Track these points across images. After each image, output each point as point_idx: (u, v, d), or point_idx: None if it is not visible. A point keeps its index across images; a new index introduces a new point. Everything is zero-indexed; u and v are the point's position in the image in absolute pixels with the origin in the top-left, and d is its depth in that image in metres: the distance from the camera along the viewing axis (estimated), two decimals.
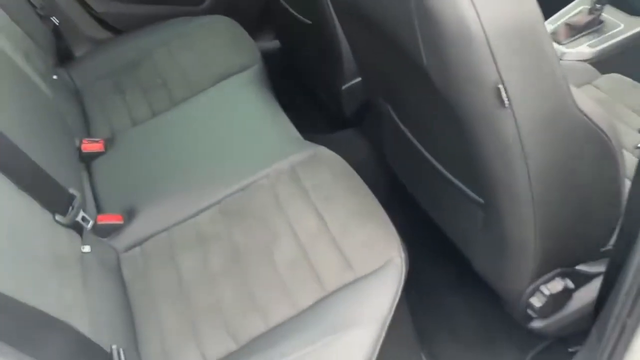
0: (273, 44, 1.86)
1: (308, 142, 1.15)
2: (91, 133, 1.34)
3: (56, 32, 1.52)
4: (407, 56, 0.75)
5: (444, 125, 0.81)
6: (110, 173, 1.19)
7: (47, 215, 0.90)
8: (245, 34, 1.53)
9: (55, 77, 1.45)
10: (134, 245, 1.05)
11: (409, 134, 1.02)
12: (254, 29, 1.82)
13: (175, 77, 1.42)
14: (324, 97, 1.59)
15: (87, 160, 1.23)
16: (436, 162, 0.94)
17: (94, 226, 1.03)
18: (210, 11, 1.74)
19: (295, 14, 1.43)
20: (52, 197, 0.91)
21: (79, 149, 1.23)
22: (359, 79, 1.38)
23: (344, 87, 1.41)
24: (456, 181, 0.90)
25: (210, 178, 1.12)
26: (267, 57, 1.68)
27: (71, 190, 0.96)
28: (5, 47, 1.18)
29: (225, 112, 1.29)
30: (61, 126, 1.18)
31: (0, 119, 0.89)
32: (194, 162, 1.17)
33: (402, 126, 1.03)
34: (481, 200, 0.84)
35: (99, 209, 1.11)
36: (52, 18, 1.50)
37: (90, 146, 1.24)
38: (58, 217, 0.91)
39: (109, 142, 1.27)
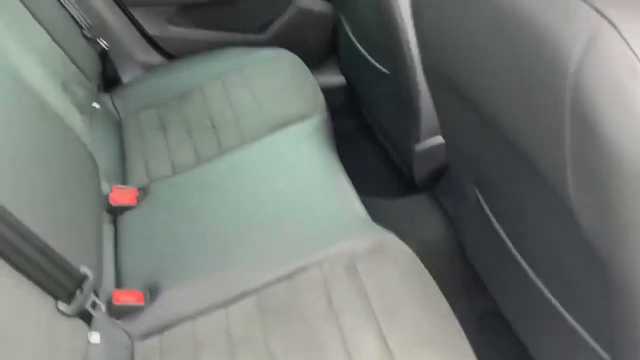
0: (338, 79, 1.67)
1: (374, 225, 0.95)
2: (126, 176, 1.19)
3: (103, 55, 1.39)
4: (532, 167, 0.54)
5: (569, 256, 0.59)
6: (137, 234, 1.02)
7: (49, 302, 0.74)
8: (310, 75, 1.34)
9: (96, 105, 1.32)
10: (153, 333, 0.87)
11: (502, 234, 0.80)
12: (318, 61, 1.66)
13: (226, 118, 1.25)
14: (392, 154, 1.38)
15: (115, 213, 1.07)
16: (539, 282, 0.72)
17: (109, 307, 0.86)
18: (272, 41, 1.57)
19: (370, 59, 1.24)
20: (57, 280, 0.74)
21: (107, 197, 1.07)
22: (436, 139, 1.17)
23: (417, 147, 1.20)
24: (567, 315, 0.67)
25: (251, 256, 0.94)
26: (331, 93, 1.50)
27: (83, 269, 0.79)
28: (36, 78, 1.04)
29: (276, 171, 1.10)
30: (88, 171, 1.02)
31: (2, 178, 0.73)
32: (233, 232, 0.99)
33: (493, 221, 0.81)
34: (605, 357, 0.61)
35: (118, 281, 0.95)
36: (100, 40, 1.36)
37: (120, 197, 1.08)
38: (61, 306, 0.75)
39: (143, 193, 1.11)
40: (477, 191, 0.85)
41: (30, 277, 0.71)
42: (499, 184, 0.75)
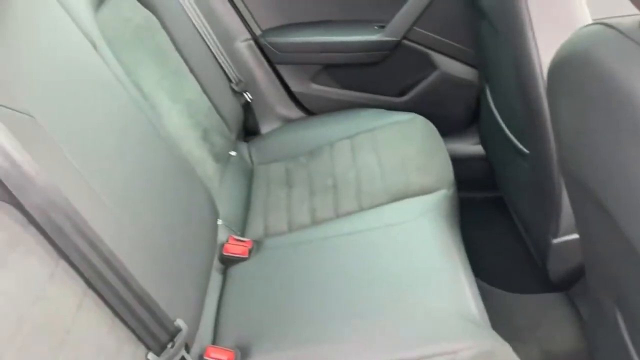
0: (476, 149, 1.57)
1: (487, 329, 0.84)
2: (245, 227, 1.21)
3: (246, 106, 1.46)
4: None
5: None
6: (243, 290, 1.03)
7: (140, 351, 0.75)
8: (442, 146, 1.27)
9: (233, 153, 1.38)
10: None
11: None
12: (458, 129, 1.58)
13: (348, 181, 1.23)
14: (526, 240, 1.24)
15: (226, 262, 1.09)
16: None
17: None
18: (411, 105, 1.54)
19: (510, 135, 1.14)
20: (151, 330, 0.76)
21: (222, 246, 1.10)
22: (577, 236, 1.02)
23: (555, 241, 1.05)
24: None
25: (350, 337, 0.88)
26: (466, 163, 1.41)
27: (179, 322, 0.80)
28: (178, 126, 1.12)
29: (390, 247, 1.03)
30: (207, 219, 1.05)
31: (121, 219, 0.77)
32: (337, 306, 0.94)
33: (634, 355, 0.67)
34: None
35: (215, 335, 0.95)
36: (245, 93, 1.44)
37: (234, 248, 1.10)
38: (151, 357, 0.76)
39: (256, 246, 1.12)
40: (617, 311, 0.71)
41: (126, 323, 0.73)
42: None
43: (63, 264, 0.67)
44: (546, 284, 1.15)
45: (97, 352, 0.68)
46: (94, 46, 0.88)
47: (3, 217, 0.62)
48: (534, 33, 0.88)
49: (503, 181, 1.40)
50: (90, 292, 0.70)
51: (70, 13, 0.86)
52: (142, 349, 0.75)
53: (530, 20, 0.88)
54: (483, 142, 1.52)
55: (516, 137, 1.13)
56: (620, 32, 0.51)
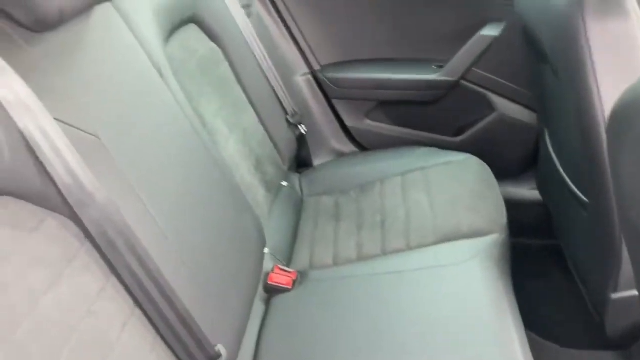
0: (533, 194, 1.53)
1: None
2: (291, 257, 1.22)
3: (300, 139, 1.49)
4: None
5: None
6: (284, 321, 1.02)
7: None
8: (497, 189, 1.24)
9: (285, 183, 1.40)
10: None
11: None
12: (515, 173, 1.55)
13: (397, 218, 1.21)
14: (583, 292, 1.18)
15: (270, 292, 1.10)
16: None
17: None
18: (466, 145, 1.52)
19: (570, 183, 1.10)
20: (192, 353, 0.77)
21: (267, 275, 1.10)
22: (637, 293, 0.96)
23: (614, 296, 1.00)
24: None
25: None
26: (522, 208, 1.37)
27: (219, 348, 0.81)
28: (233, 154, 1.15)
29: (435, 289, 1.01)
30: (254, 247, 1.06)
31: (165, 241, 0.79)
32: (377, 344, 0.92)
33: None
34: None
35: None
36: (300, 126, 1.47)
37: (279, 278, 1.10)
38: None
39: (301, 278, 1.12)
40: None
41: (168, 344, 0.74)
42: None
43: (113, 280, 0.70)
44: (602, 341, 1.08)
45: None
46: (161, 75, 0.92)
47: (62, 231, 0.65)
48: (596, 78, 0.86)
49: (560, 229, 1.34)
50: (137, 311, 0.72)
51: (142, 43, 0.91)
52: None
53: (593, 65, 0.86)
54: (540, 188, 1.47)
55: (575, 184, 1.09)
56: None
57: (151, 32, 0.96)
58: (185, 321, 0.76)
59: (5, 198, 0.60)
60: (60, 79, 0.71)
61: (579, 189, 1.07)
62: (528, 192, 1.54)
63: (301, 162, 1.55)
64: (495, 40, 1.44)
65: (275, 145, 1.36)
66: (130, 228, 0.70)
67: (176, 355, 0.75)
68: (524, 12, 1.18)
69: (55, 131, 0.64)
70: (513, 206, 1.25)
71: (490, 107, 1.53)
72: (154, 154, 0.83)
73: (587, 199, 1.02)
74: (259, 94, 1.34)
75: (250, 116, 1.30)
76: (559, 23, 0.97)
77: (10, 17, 0.67)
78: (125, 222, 0.70)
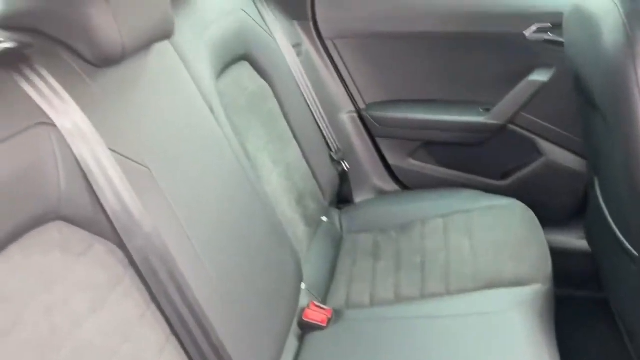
0: (581, 244, 1.48)
1: None
2: (327, 294, 1.21)
3: (343, 175, 1.50)
4: None
5: None
6: (316, 359, 1.01)
7: None
8: (542, 236, 1.21)
9: (325, 218, 1.41)
10: None
11: None
12: (563, 221, 1.50)
13: (437, 261, 1.20)
14: (630, 350, 1.12)
15: (304, 328, 1.09)
16: None
17: None
18: (511, 190, 1.49)
19: (619, 234, 1.06)
20: None
21: (302, 311, 1.10)
22: None
23: None
24: None
25: None
26: (569, 258, 1.32)
27: None
28: (275, 188, 1.17)
29: (478, 337, 0.98)
30: (290, 282, 1.06)
31: (205, 271, 0.80)
32: None
33: None
34: None
35: None
36: (343, 162, 1.48)
37: (314, 315, 1.10)
38: None
39: (336, 316, 1.11)
40: None
41: None
42: None
43: (153, 308, 0.71)
44: None
45: None
46: (211, 110, 0.96)
47: (108, 257, 0.68)
48: None
49: (607, 282, 1.29)
50: (173, 339, 0.73)
51: (195, 79, 0.95)
52: None
53: None
54: (588, 238, 1.42)
55: (625, 236, 1.04)
56: None
57: (204, 68, 1.01)
58: (219, 352, 0.77)
59: (58, 222, 0.63)
60: (116, 111, 0.75)
61: (628, 241, 1.03)
62: (576, 241, 1.49)
63: (342, 199, 1.56)
64: (544, 86, 1.42)
65: (318, 181, 1.37)
66: (172, 258, 0.72)
67: None
68: (574, 58, 1.17)
69: (108, 161, 0.67)
70: (559, 255, 1.21)
71: (538, 152, 1.50)
72: (199, 186, 0.86)
73: (637, 252, 0.98)
74: (304, 130, 1.36)
75: (295, 151, 1.32)
76: (609, 70, 0.95)
77: (75, 52, 0.71)
78: (169, 252, 0.72)
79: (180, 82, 0.92)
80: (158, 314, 0.72)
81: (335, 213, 1.50)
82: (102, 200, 0.66)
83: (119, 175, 0.68)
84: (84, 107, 0.67)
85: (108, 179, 0.66)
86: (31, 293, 0.58)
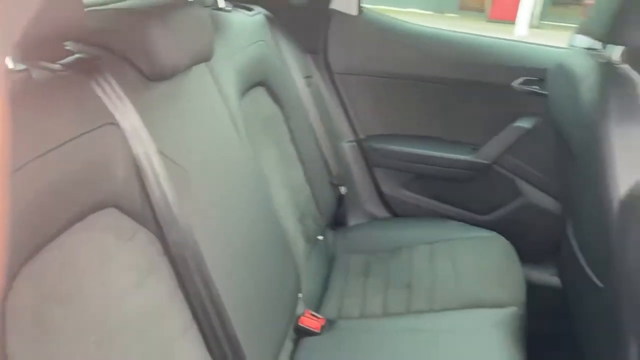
0: (553, 280, 1.60)
1: None
2: (320, 306, 1.31)
3: (340, 199, 1.61)
4: None
5: None
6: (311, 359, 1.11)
7: None
8: (518, 267, 1.34)
9: (321, 237, 1.52)
10: None
11: None
12: (538, 257, 1.63)
13: (423, 282, 1.31)
14: None
15: (299, 333, 1.19)
16: None
17: None
18: (491, 224, 1.62)
19: (587, 268, 1.19)
20: None
21: (299, 317, 1.20)
22: None
23: None
24: None
25: None
26: (543, 292, 1.44)
27: None
28: (283, 206, 1.27)
29: (456, 352, 1.09)
30: (291, 291, 1.17)
31: (224, 269, 0.90)
32: None
33: None
34: None
35: None
36: (341, 187, 1.60)
37: (309, 321, 1.20)
38: None
39: (329, 325, 1.21)
40: None
41: (214, 357, 0.84)
42: None
43: (180, 294, 0.81)
44: None
45: None
46: (236, 127, 1.08)
47: (149, 245, 0.78)
48: (615, 173, 0.97)
49: (576, 315, 1.41)
50: (194, 324, 0.83)
51: (224, 98, 1.07)
52: None
53: (613, 161, 0.97)
54: (560, 274, 1.55)
55: (592, 270, 1.17)
56: None
57: (231, 90, 1.13)
58: (231, 340, 0.86)
59: (112, 209, 0.73)
60: (163, 119, 0.86)
61: (594, 274, 1.15)
62: (549, 277, 1.62)
63: (338, 221, 1.67)
64: (528, 132, 1.57)
65: (317, 202, 1.48)
66: (200, 252, 0.83)
67: None
68: (555, 110, 1.31)
69: (157, 161, 0.78)
70: (532, 288, 1.33)
71: (518, 192, 1.64)
72: (224, 193, 0.97)
73: (602, 283, 1.10)
74: (308, 155, 1.48)
75: (299, 173, 1.43)
76: (586, 124, 1.10)
77: (136, 67, 0.83)
78: (198, 247, 0.82)
79: (212, 99, 1.04)
80: (184, 300, 0.82)
81: (330, 233, 1.61)
82: (150, 195, 0.76)
83: (163, 175, 0.79)
84: (140, 113, 0.78)
85: (156, 177, 0.77)
86: (90, 266, 0.68)
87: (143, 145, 0.76)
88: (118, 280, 0.71)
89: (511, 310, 1.18)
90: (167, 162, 0.81)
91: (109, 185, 0.72)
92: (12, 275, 0.57)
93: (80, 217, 0.67)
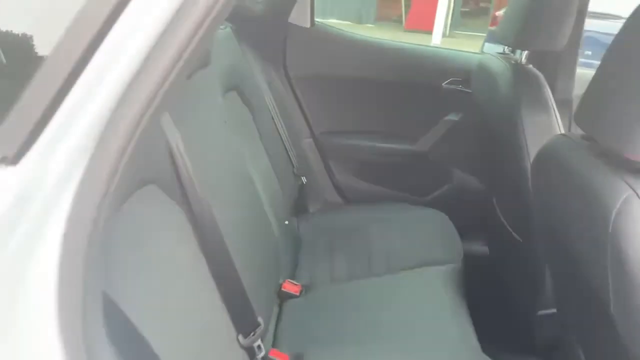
0: (483, 249, 1.91)
1: (484, 356, 1.13)
2: (296, 276, 1.53)
3: (301, 188, 1.84)
4: (595, 300, 0.74)
5: None
6: (295, 317, 1.33)
7: (232, 332, 1.05)
8: (455, 232, 1.62)
9: (286, 222, 1.73)
10: None
11: None
12: (469, 230, 1.92)
13: (381, 251, 1.56)
14: (518, 318, 1.54)
15: (283, 298, 1.40)
16: None
17: (264, 357, 1.15)
18: (431, 203, 1.90)
19: (507, 226, 1.49)
20: (242, 317, 1.06)
21: (280, 285, 1.41)
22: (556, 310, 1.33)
23: (540, 313, 1.36)
24: None
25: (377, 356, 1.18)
26: (474, 261, 1.74)
27: (259, 319, 1.11)
28: (260, 188, 1.48)
29: (411, 298, 1.35)
30: (275, 263, 1.38)
31: (229, 238, 1.10)
32: (365, 335, 1.25)
33: None
34: None
35: (274, 344, 1.24)
36: (302, 177, 1.82)
37: (289, 287, 1.41)
38: (240, 338, 1.05)
39: (306, 289, 1.43)
40: (579, 349, 1.01)
41: (229, 309, 1.03)
42: (588, 333, 0.92)
43: (203, 259, 1.00)
44: (529, 352, 1.43)
45: (203, 325, 0.98)
46: (224, 124, 1.28)
47: (179, 216, 0.96)
48: (528, 152, 1.26)
49: (502, 272, 1.71)
50: (212, 281, 1.02)
51: (215, 99, 1.27)
52: (233, 331, 1.05)
53: (526, 140, 1.27)
54: (489, 242, 1.86)
55: (512, 229, 1.47)
56: (572, 140, 0.89)
57: (218, 91, 1.33)
58: (243, 294, 1.06)
59: (152, 186, 0.91)
60: (181, 111, 1.05)
61: (515, 231, 1.45)
62: (480, 247, 1.92)
63: (299, 208, 1.89)
64: (455, 124, 1.88)
65: (283, 191, 1.70)
66: (214, 219, 1.02)
67: (232, 320, 1.04)
68: (478, 105, 1.62)
69: (183, 147, 0.97)
70: (466, 256, 1.61)
71: (451, 175, 1.94)
72: (223, 176, 1.17)
73: (521, 238, 1.40)
74: (274, 150, 1.70)
75: (268, 167, 1.64)
76: (503, 114, 1.40)
77: None
78: (213, 216, 1.02)
79: (214, 97, 1.25)
80: (204, 260, 1.01)
81: (293, 219, 1.83)
82: (181, 176, 0.95)
83: (190, 160, 0.98)
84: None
85: (184, 161, 0.96)
86: (149, 237, 0.86)
87: (173, 135, 0.95)
88: (160, 243, 0.90)
89: (453, 266, 1.46)
90: (188, 147, 1.00)
91: (153, 165, 0.90)
92: None
93: (134, 189, 0.85)
